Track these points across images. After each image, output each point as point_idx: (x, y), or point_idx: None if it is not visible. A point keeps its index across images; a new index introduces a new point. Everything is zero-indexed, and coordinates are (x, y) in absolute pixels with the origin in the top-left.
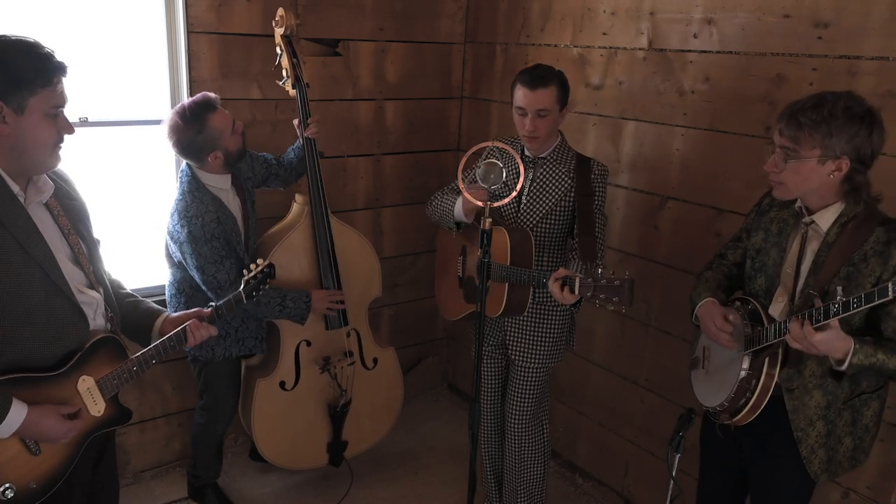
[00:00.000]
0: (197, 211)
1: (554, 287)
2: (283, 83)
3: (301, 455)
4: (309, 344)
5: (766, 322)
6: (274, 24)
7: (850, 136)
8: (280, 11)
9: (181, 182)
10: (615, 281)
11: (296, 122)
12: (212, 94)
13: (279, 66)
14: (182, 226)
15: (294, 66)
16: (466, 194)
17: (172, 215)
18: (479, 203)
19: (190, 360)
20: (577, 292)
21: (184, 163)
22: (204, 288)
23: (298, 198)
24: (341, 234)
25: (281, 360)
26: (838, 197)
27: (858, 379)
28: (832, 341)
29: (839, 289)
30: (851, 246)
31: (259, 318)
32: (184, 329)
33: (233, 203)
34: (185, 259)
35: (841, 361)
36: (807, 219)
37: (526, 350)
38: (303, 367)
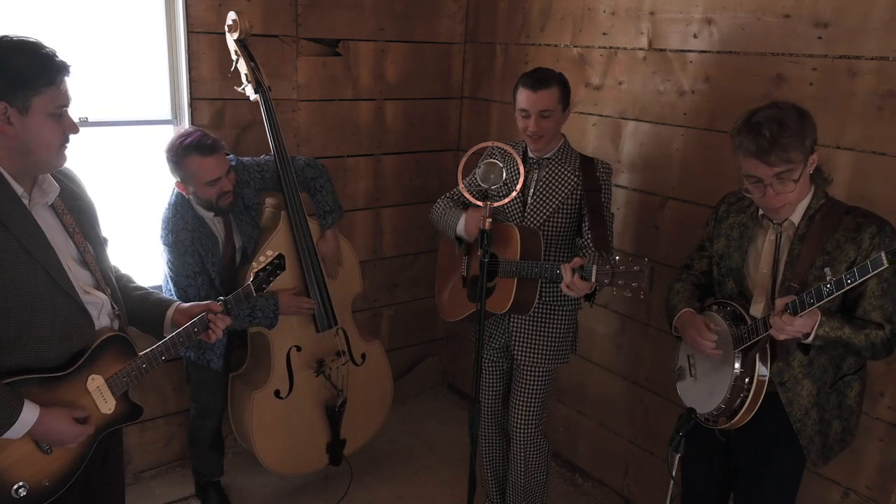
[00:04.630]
0: (175, 225)
1: (568, 276)
2: (242, 89)
3: (303, 460)
4: (299, 349)
5: (749, 321)
6: (227, 30)
7: (811, 131)
8: (232, 15)
9: (171, 194)
10: (634, 266)
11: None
12: (219, 143)
13: (236, 72)
14: (161, 235)
15: (253, 70)
16: (470, 213)
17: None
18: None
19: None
20: (593, 279)
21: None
22: (175, 298)
23: (269, 201)
24: (317, 233)
25: (273, 369)
26: (809, 188)
27: (840, 362)
28: (807, 320)
29: (827, 269)
30: (823, 236)
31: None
32: (193, 324)
33: (216, 227)
34: (164, 264)
35: (807, 335)
36: (778, 219)
37: (531, 350)
38: (295, 373)
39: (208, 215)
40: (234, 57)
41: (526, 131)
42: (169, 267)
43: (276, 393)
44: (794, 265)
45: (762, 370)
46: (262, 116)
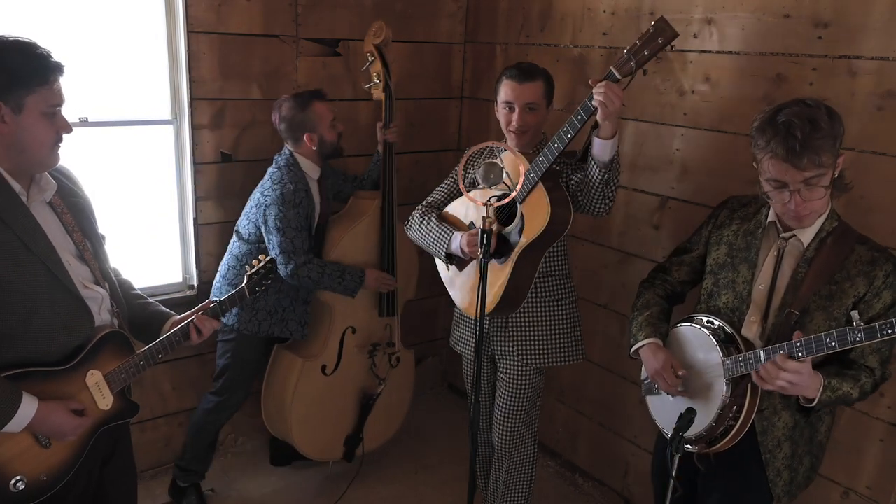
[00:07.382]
0: (291, 179)
1: (599, 87)
2: (370, 87)
3: (324, 446)
4: (354, 331)
5: (742, 346)
6: (371, 33)
7: (841, 131)
8: (379, 23)
9: (277, 161)
10: (648, 32)
11: (379, 124)
12: (323, 90)
13: (367, 71)
14: (274, 189)
15: (385, 74)
16: (465, 237)
17: (263, 184)
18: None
19: (219, 340)
20: (619, 76)
21: (284, 147)
22: (277, 251)
23: (362, 193)
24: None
25: (327, 344)
26: (828, 203)
27: None
28: (805, 376)
29: (854, 313)
30: (832, 263)
31: (318, 289)
32: (190, 323)
33: (315, 195)
34: (266, 222)
35: (810, 399)
36: (786, 234)
37: (521, 347)
38: (345, 353)
39: (313, 179)
40: (369, 59)
41: (509, 126)
42: (277, 221)
43: (323, 368)
44: (796, 289)
45: (753, 399)
46: (383, 113)
